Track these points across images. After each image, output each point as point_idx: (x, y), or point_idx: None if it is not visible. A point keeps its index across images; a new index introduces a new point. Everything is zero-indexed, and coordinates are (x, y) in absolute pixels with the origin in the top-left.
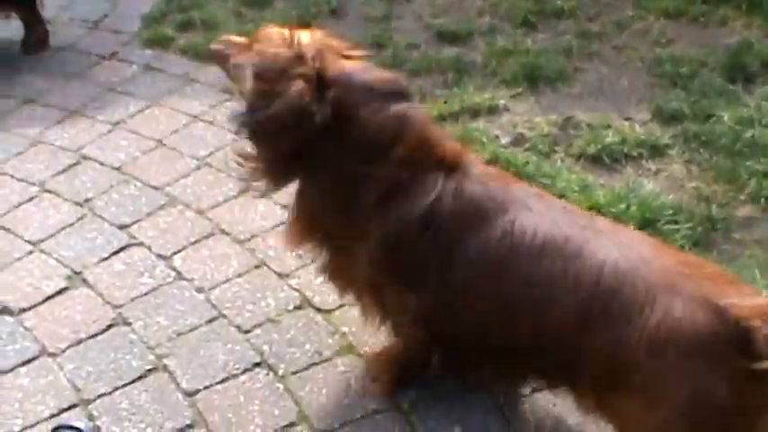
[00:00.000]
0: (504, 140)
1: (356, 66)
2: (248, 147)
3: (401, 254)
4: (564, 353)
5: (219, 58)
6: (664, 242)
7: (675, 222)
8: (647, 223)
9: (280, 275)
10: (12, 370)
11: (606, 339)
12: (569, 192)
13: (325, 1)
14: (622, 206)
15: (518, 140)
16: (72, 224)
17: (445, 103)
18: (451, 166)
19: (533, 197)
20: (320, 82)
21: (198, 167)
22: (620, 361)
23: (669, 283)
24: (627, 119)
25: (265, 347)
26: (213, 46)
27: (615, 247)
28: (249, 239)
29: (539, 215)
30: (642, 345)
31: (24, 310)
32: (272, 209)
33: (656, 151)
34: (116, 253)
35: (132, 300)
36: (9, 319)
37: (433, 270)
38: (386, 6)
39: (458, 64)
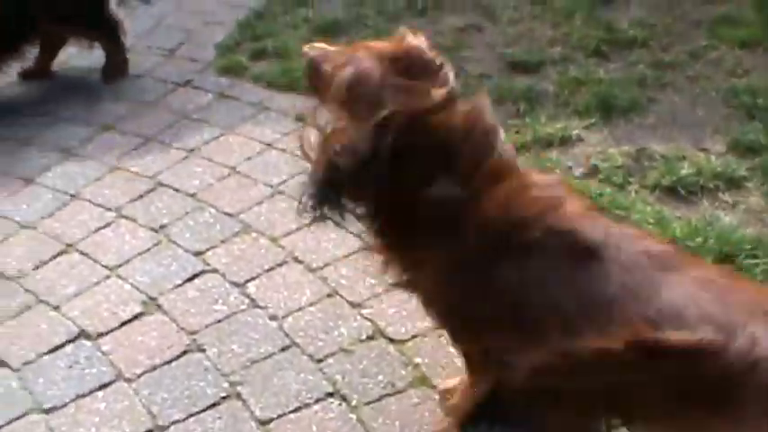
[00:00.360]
0: (577, 172)
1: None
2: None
3: (476, 284)
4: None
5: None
6: (743, 277)
7: (755, 257)
8: (725, 257)
9: (352, 305)
10: (89, 394)
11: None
12: (644, 224)
13: (396, 30)
14: (699, 239)
15: (592, 172)
16: (148, 250)
17: (517, 133)
18: (542, 201)
19: (621, 235)
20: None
21: (271, 195)
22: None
23: (754, 317)
24: (702, 150)
25: (338, 377)
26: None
27: (696, 284)
28: (322, 268)
29: (625, 255)
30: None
31: (101, 334)
32: (345, 237)
33: (733, 183)
34: (190, 279)
35: (206, 326)
36: (87, 343)
37: (508, 306)
38: (457, 35)
39: (530, 94)
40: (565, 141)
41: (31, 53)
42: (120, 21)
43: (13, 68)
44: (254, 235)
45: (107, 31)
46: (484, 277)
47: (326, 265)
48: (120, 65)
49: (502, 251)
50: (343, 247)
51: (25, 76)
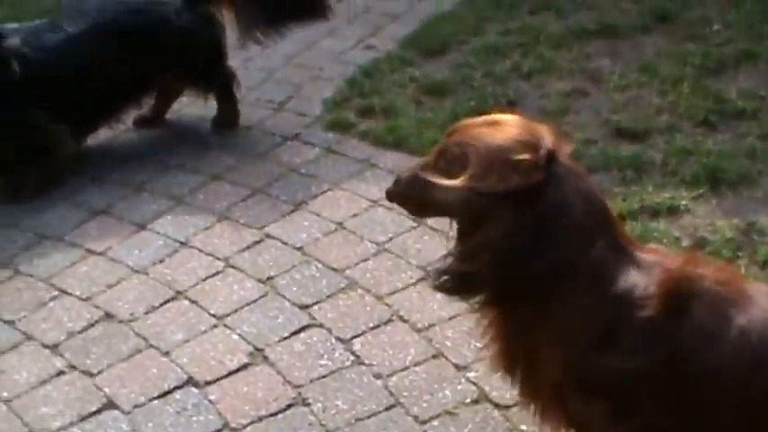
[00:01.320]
0: (684, 243)
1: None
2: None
3: (614, 363)
4: None
5: (417, 185)
6: None
7: None
8: None
9: (457, 367)
10: None
11: None
12: None
13: (502, 93)
14: None
15: (699, 244)
16: (255, 301)
17: (624, 200)
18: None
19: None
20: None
21: (377, 252)
22: None
23: None
24: None
25: None
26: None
27: None
28: (427, 328)
29: None
30: None
31: (209, 383)
32: (450, 299)
33: None
34: (296, 333)
35: (311, 381)
36: (195, 390)
37: (652, 387)
38: (563, 100)
39: (636, 162)
40: (672, 211)
41: (147, 102)
42: (234, 74)
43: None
44: (359, 291)
45: (221, 85)
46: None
47: (432, 325)
48: (231, 117)
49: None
50: (449, 308)
51: (139, 123)
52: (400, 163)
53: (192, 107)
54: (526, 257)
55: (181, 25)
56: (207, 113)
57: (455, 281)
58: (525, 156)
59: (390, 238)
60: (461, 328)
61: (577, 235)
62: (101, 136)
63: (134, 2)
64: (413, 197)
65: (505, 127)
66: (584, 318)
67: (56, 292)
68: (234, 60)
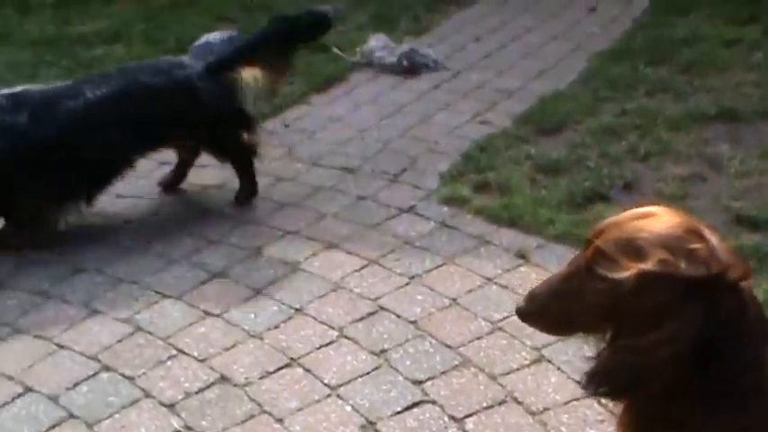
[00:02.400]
0: None
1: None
2: None
3: None
4: None
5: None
6: None
7: None
8: None
9: None
10: None
11: None
12: None
13: (618, 174)
14: None
15: None
16: (368, 373)
17: None
18: None
19: None
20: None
21: (491, 331)
22: None
23: None
24: None
25: None
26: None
27: None
28: (542, 412)
29: None
30: None
31: None
32: (566, 383)
33: None
34: (409, 408)
35: None
36: None
37: None
38: (682, 184)
39: (758, 252)
40: None
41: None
42: (254, 147)
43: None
44: (473, 370)
45: (239, 157)
46: None
47: (546, 409)
48: (248, 191)
49: None
50: (565, 391)
51: (164, 187)
52: (515, 240)
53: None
54: (708, 353)
55: (201, 91)
56: (324, 183)
57: (616, 381)
58: (698, 245)
59: (505, 317)
60: (577, 414)
61: (752, 337)
62: (218, 198)
63: (159, 66)
64: (554, 311)
65: (662, 218)
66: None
67: (174, 351)
68: (350, 130)
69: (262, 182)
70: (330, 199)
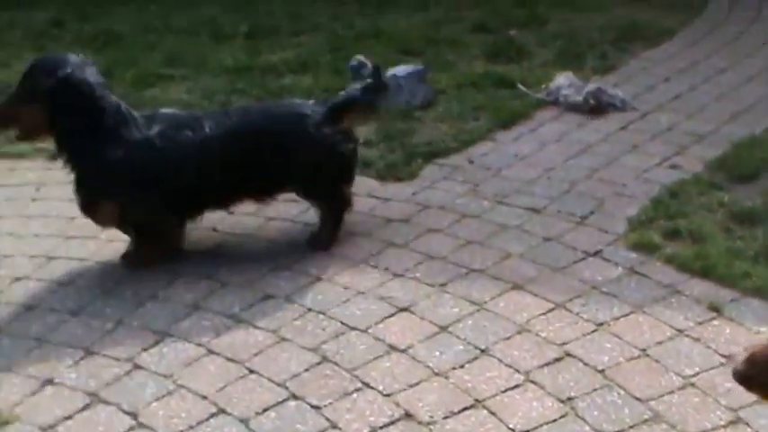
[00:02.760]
0: None
1: None
2: None
3: None
4: None
5: None
6: None
7: None
8: None
9: None
10: None
11: None
12: None
13: None
14: None
15: None
16: (554, 420)
17: None
18: None
19: None
20: None
21: (683, 386)
22: None
23: None
24: None
25: None
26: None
27: None
28: None
29: None
30: None
31: None
32: None
33: None
34: None
35: None
36: None
37: None
38: None
39: None
40: None
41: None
42: (350, 200)
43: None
44: (664, 426)
45: (336, 207)
46: None
47: None
48: (327, 239)
49: None
50: None
51: None
52: (707, 292)
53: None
54: None
55: (316, 141)
56: (509, 221)
57: None
58: None
59: (697, 372)
60: None
61: None
62: (403, 231)
63: (277, 109)
64: None
65: None
66: None
67: (360, 384)
68: (535, 169)
69: (446, 218)
70: (515, 238)
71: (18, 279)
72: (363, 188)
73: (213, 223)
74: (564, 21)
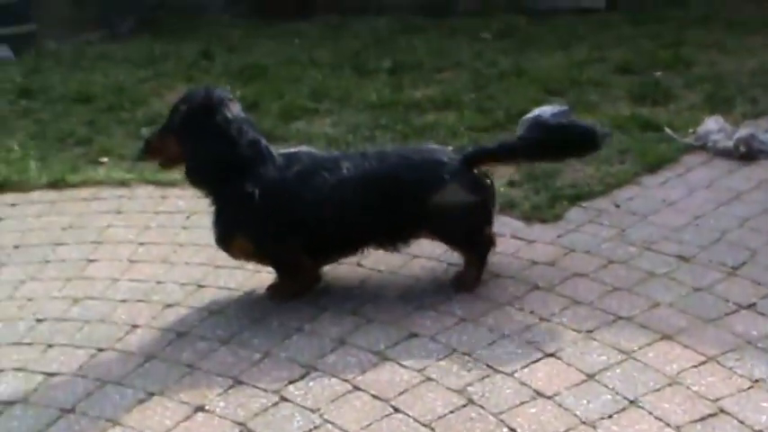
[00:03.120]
0: None
1: None
2: None
3: None
4: None
5: None
6: None
7: None
8: None
9: None
10: None
11: None
12: None
13: None
14: None
15: None
16: None
17: None
18: None
19: None
20: None
21: None
22: None
23: None
24: None
25: None
26: None
27: None
28: None
29: None
30: None
31: None
32: None
33: None
34: None
35: None
36: None
37: None
38: None
39: None
40: None
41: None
42: (493, 241)
43: None
44: None
45: (477, 252)
46: None
47: None
48: (472, 282)
49: None
50: None
51: None
52: None
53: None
54: None
55: (453, 188)
56: (657, 269)
57: None
58: None
59: None
60: None
61: None
62: (550, 275)
63: (414, 155)
64: None
65: None
66: None
67: (505, 429)
68: (684, 216)
69: (592, 262)
70: (664, 287)
71: (169, 305)
72: (508, 229)
73: (357, 260)
74: (711, 63)
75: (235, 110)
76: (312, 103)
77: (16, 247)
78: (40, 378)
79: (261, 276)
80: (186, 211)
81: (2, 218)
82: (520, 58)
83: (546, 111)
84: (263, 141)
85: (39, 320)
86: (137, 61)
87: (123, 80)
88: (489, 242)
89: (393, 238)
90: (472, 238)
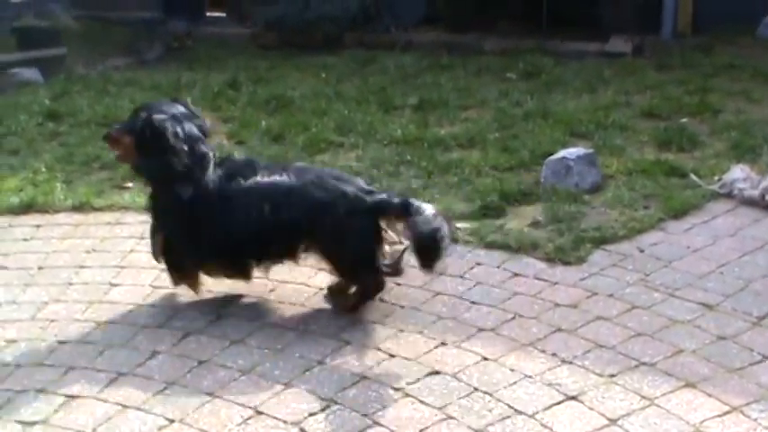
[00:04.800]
0: None
1: None
2: None
3: None
4: None
5: None
6: None
7: None
8: None
9: None
10: None
11: None
12: None
13: None
14: None
15: None
16: None
17: None
18: None
19: None
20: None
21: None
22: None
23: None
24: None
25: None
26: None
27: None
28: None
29: None
30: None
31: None
32: None
33: None
34: None
35: None
36: None
37: None
38: None
39: None
40: None
41: None
42: (382, 283)
43: None
44: None
45: (364, 287)
46: None
47: None
48: (349, 306)
49: None
50: None
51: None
52: None
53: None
54: None
55: (340, 215)
56: (681, 316)
57: None
58: None
59: None
60: None
61: None
62: (573, 317)
63: (326, 181)
64: None
65: None
66: None
67: None
68: (708, 263)
69: (615, 306)
70: (688, 334)
71: (190, 333)
72: (531, 270)
73: (379, 294)
74: (737, 112)
75: (187, 127)
76: (337, 136)
77: (40, 268)
78: (60, 400)
79: (284, 308)
80: None
81: (27, 239)
82: (545, 100)
83: (572, 153)
84: (208, 155)
85: (61, 342)
86: (163, 88)
87: None
88: (371, 284)
89: (287, 253)
90: (351, 275)
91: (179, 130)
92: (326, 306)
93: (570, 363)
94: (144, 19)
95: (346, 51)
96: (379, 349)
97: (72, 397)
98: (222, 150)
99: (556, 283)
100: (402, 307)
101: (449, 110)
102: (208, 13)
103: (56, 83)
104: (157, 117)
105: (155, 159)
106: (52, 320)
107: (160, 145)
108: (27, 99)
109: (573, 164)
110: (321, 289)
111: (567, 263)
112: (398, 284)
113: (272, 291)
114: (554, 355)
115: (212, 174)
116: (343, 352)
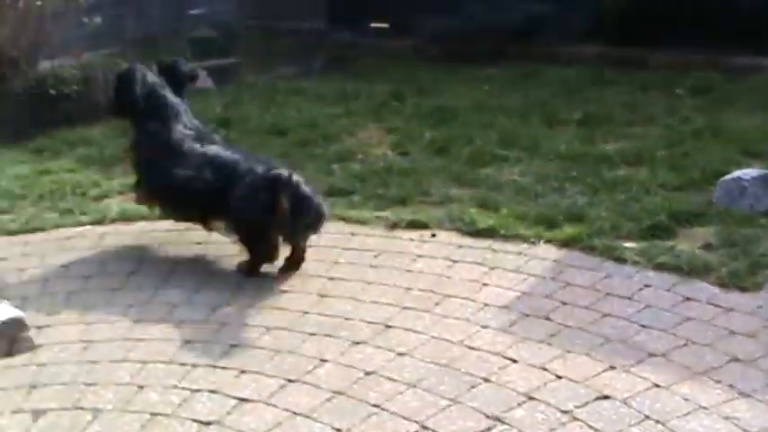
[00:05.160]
0: None
1: None
2: None
3: None
4: None
5: None
6: None
7: None
8: None
9: None
10: None
11: None
12: None
13: None
14: None
15: None
16: None
17: None
18: None
19: None
20: None
21: None
22: None
23: None
24: None
25: None
26: None
27: None
28: None
29: None
30: None
31: None
32: None
33: None
34: None
35: None
36: None
37: None
38: None
39: None
40: None
41: None
42: (270, 254)
43: None
44: None
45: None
46: None
47: None
48: (246, 268)
49: None
50: None
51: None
52: None
53: None
54: None
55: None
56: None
57: None
58: None
59: None
60: None
61: None
62: (751, 351)
63: (244, 159)
64: None
65: None
66: None
67: None
68: None
69: None
70: None
71: (356, 343)
72: (703, 294)
73: (546, 313)
74: None
75: (150, 78)
76: (501, 150)
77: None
78: (233, 402)
79: (447, 322)
80: (375, 250)
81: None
82: (716, 117)
83: (747, 173)
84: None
85: (232, 346)
86: (329, 98)
87: (316, 116)
88: (271, 250)
89: (205, 215)
90: (248, 241)
91: (140, 78)
92: (493, 323)
93: (749, 396)
94: (309, 29)
95: (509, 63)
96: (545, 369)
97: (244, 400)
98: (386, 160)
99: (731, 310)
100: (569, 327)
101: (614, 125)
102: (371, 25)
103: (227, 90)
104: (127, 68)
105: (117, 100)
106: (224, 323)
107: (122, 87)
108: (200, 106)
109: (748, 185)
110: (486, 305)
111: (742, 289)
112: (564, 304)
113: (437, 304)
114: (731, 386)
115: (182, 129)
116: (509, 370)
